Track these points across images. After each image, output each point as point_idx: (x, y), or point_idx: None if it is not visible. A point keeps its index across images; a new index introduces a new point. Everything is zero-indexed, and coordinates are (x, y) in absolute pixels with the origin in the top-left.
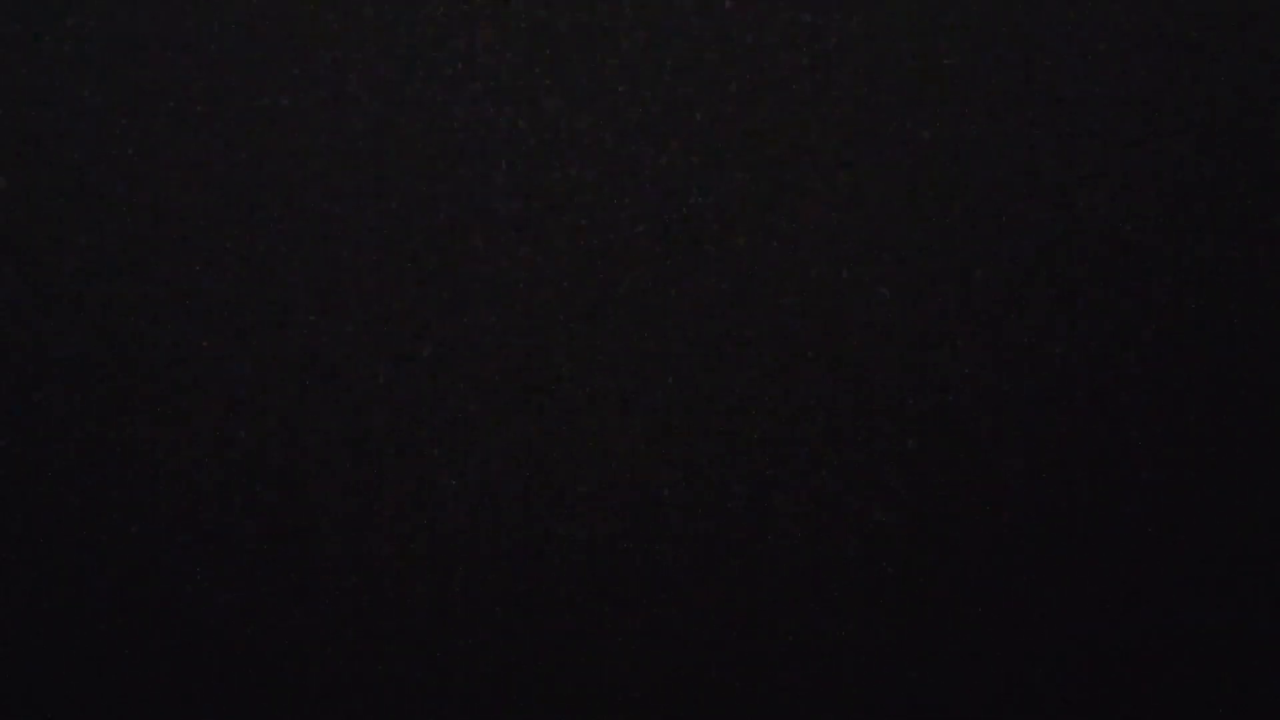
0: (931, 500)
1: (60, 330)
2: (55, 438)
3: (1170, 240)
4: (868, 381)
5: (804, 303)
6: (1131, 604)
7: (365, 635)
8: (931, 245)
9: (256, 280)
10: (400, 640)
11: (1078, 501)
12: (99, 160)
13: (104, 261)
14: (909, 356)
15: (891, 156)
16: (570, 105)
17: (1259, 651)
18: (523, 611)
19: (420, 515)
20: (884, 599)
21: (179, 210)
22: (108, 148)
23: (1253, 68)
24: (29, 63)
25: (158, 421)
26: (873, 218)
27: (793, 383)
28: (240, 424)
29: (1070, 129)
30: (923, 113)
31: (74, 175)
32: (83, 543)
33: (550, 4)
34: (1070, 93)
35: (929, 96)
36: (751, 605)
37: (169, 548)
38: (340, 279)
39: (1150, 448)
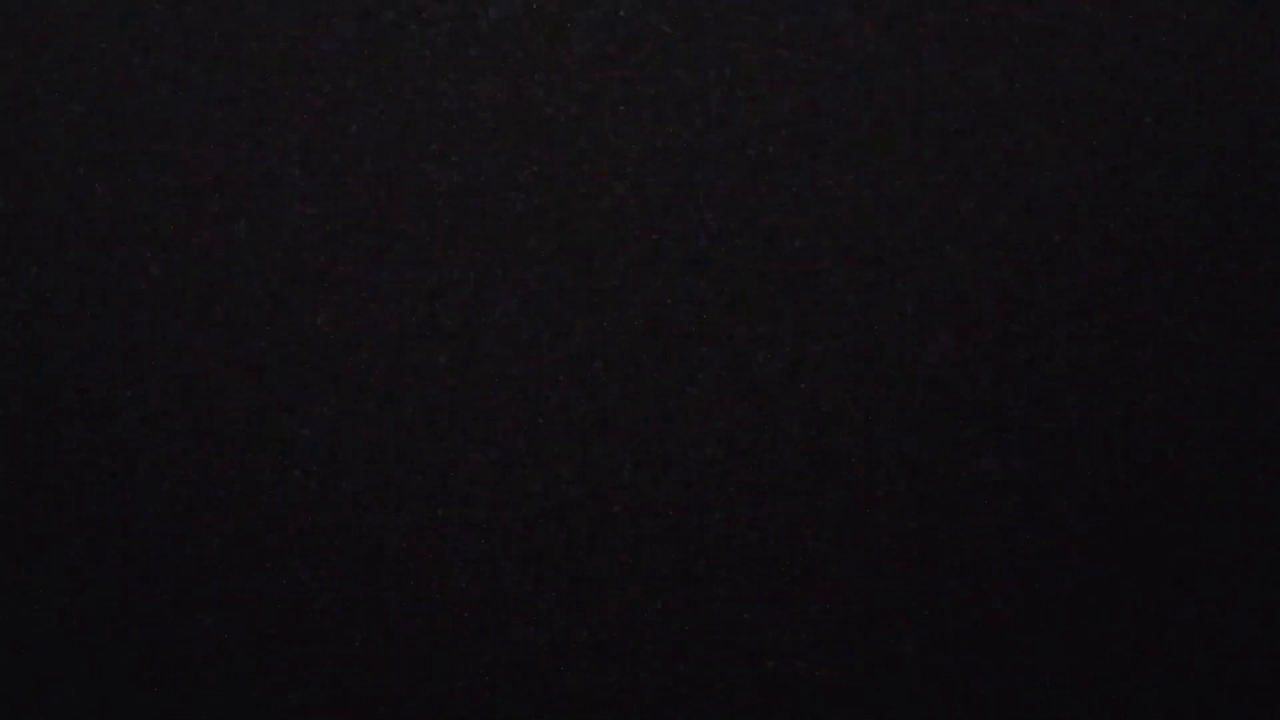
0: (933, 502)
1: (59, 328)
2: (54, 437)
3: (1170, 241)
4: (872, 383)
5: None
6: (1134, 605)
7: (364, 636)
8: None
9: (256, 278)
10: (400, 644)
11: (1079, 503)
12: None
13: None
14: (916, 358)
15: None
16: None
17: (1259, 651)
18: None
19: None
20: (886, 599)
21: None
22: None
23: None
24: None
25: (154, 420)
26: (875, 219)
27: (797, 385)
28: (239, 424)
29: (1070, 131)
30: (924, 113)
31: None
32: (80, 542)
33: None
34: (1068, 94)
35: (930, 96)
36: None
37: (167, 547)
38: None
39: (1150, 449)
